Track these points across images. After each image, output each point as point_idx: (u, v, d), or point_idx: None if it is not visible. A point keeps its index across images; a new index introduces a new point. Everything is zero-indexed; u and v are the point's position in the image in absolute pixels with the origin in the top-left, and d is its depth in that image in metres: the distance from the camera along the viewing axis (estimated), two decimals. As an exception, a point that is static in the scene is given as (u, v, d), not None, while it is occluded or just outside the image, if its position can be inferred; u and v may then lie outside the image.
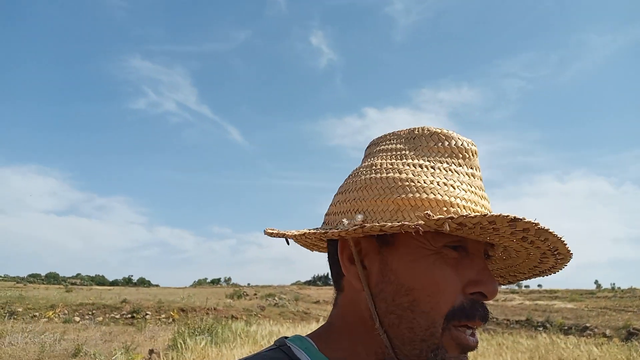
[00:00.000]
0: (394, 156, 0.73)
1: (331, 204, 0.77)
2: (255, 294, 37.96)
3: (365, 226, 0.61)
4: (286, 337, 0.73)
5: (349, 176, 0.77)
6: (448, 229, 0.57)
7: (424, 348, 0.63)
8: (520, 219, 0.57)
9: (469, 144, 0.72)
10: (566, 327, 24.77)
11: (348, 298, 0.72)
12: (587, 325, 24.72)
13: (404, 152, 0.73)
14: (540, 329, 24.79)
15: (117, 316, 22.24)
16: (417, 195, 0.65)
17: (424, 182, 0.66)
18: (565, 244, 0.65)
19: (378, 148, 0.78)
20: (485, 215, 0.56)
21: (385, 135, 0.80)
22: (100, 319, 21.52)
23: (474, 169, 0.71)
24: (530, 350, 12.26)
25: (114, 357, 8.41)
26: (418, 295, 0.63)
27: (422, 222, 0.58)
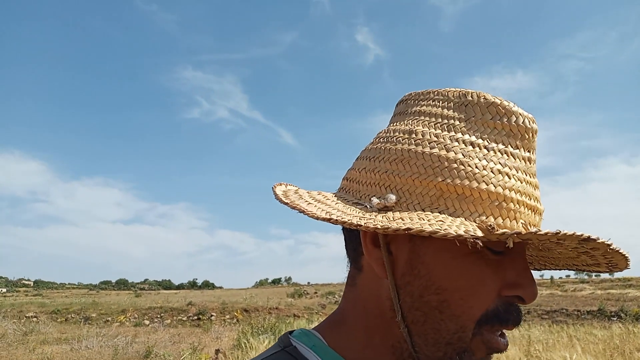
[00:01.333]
0: (439, 125, 0.60)
1: (353, 168, 0.67)
2: (315, 293, 38.23)
3: (410, 229, 0.50)
4: (290, 332, 0.65)
5: (378, 137, 0.66)
6: (511, 245, 0.50)
7: (448, 351, 0.56)
8: (593, 239, 0.49)
9: (531, 122, 0.60)
10: (643, 317, 23.50)
11: (367, 282, 0.62)
12: (666, 313, 23.36)
13: (452, 122, 0.60)
14: (614, 318, 23.62)
15: (184, 318, 22.95)
16: (467, 182, 0.55)
17: (476, 167, 0.55)
18: (628, 261, 0.56)
19: (419, 109, 0.65)
20: (556, 233, 0.48)
21: (428, 93, 0.66)
22: (168, 321, 22.29)
23: (531, 152, 0.60)
24: (603, 341, 11.71)
25: (182, 358, 8.67)
26: (450, 297, 0.55)
27: (482, 235, 0.49)
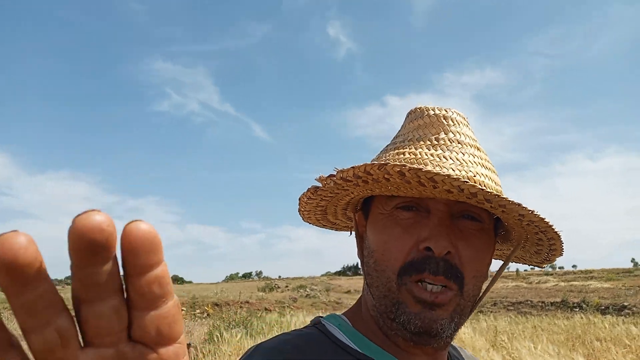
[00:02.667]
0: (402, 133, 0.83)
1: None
2: (286, 286, 38.31)
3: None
4: (321, 317, 0.76)
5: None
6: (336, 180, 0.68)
7: (387, 304, 0.68)
8: (386, 164, 0.60)
9: (436, 110, 0.76)
10: (603, 307, 24.30)
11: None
12: (625, 304, 24.25)
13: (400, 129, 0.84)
14: (577, 309, 24.40)
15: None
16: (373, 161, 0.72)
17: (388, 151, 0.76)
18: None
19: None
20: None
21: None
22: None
23: (440, 132, 0.73)
24: (566, 331, 12.11)
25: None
26: (377, 256, 0.70)
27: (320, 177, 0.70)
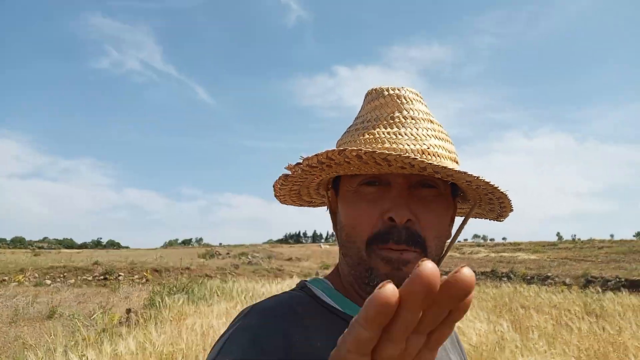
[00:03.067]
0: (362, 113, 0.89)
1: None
2: (227, 254, 38.13)
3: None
4: (306, 280, 0.85)
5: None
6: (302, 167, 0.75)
7: (360, 270, 0.76)
8: (345, 150, 0.68)
9: (390, 90, 0.83)
10: (529, 277, 25.81)
11: None
12: (549, 274, 25.79)
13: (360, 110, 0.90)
14: (505, 279, 25.78)
15: (89, 278, 22.12)
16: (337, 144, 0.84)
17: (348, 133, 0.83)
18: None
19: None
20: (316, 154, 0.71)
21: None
22: (72, 281, 21.39)
23: (396, 110, 0.80)
24: (494, 298, 12.85)
25: (93, 317, 8.49)
26: (348, 230, 0.78)
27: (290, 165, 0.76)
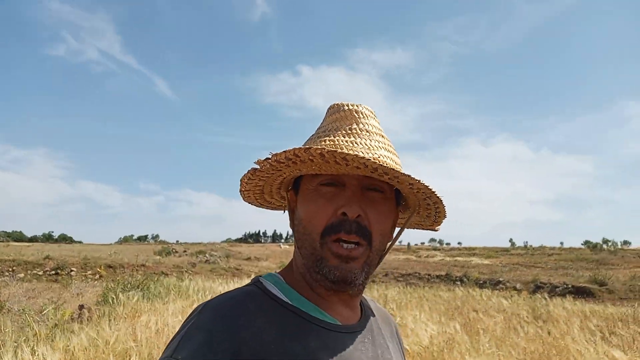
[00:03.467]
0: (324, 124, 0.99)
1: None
2: (185, 251, 37.62)
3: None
4: (260, 276, 0.93)
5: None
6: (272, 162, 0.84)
7: (313, 259, 0.87)
8: (310, 148, 0.78)
9: (349, 106, 0.94)
10: (481, 282, 26.45)
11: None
12: (500, 279, 26.52)
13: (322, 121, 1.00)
14: (458, 283, 26.36)
15: (40, 273, 21.45)
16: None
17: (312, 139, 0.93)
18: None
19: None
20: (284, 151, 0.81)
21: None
22: (22, 275, 20.69)
23: (353, 123, 0.92)
24: (447, 301, 13.17)
25: (44, 312, 8.27)
26: (305, 223, 0.88)
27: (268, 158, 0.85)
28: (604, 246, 54.22)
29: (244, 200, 1.05)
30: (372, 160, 0.78)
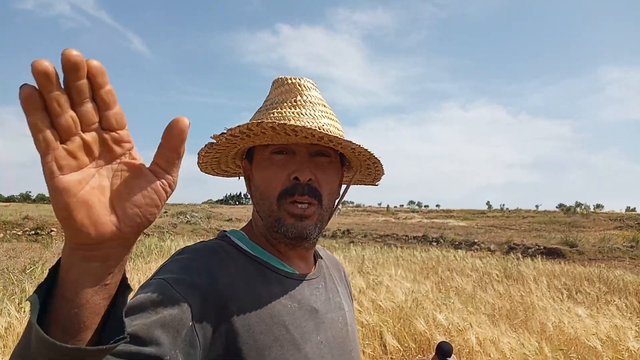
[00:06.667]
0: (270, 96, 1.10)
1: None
2: (165, 212, 37.54)
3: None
4: (225, 231, 1.06)
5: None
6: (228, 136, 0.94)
7: (271, 221, 0.98)
8: (262, 122, 0.87)
9: (293, 79, 1.04)
10: (457, 243, 27.10)
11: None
12: (475, 241, 27.19)
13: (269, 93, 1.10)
14: (435, 244, 26.95)
15: (20, 233, 21.33)
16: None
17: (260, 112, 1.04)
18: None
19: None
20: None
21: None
22: (1, 235, 20.63)
23: (298, 95, 1.01)
24: (423, 262, 13.52)
25: (28, 271, 8.37)
26: (262, 189, 0.98)
27: (223, 134, 0.94)
28: (577, 209, 55.60)
29: (202, 172, 1.17)
30: (318, 130, 0.88)
